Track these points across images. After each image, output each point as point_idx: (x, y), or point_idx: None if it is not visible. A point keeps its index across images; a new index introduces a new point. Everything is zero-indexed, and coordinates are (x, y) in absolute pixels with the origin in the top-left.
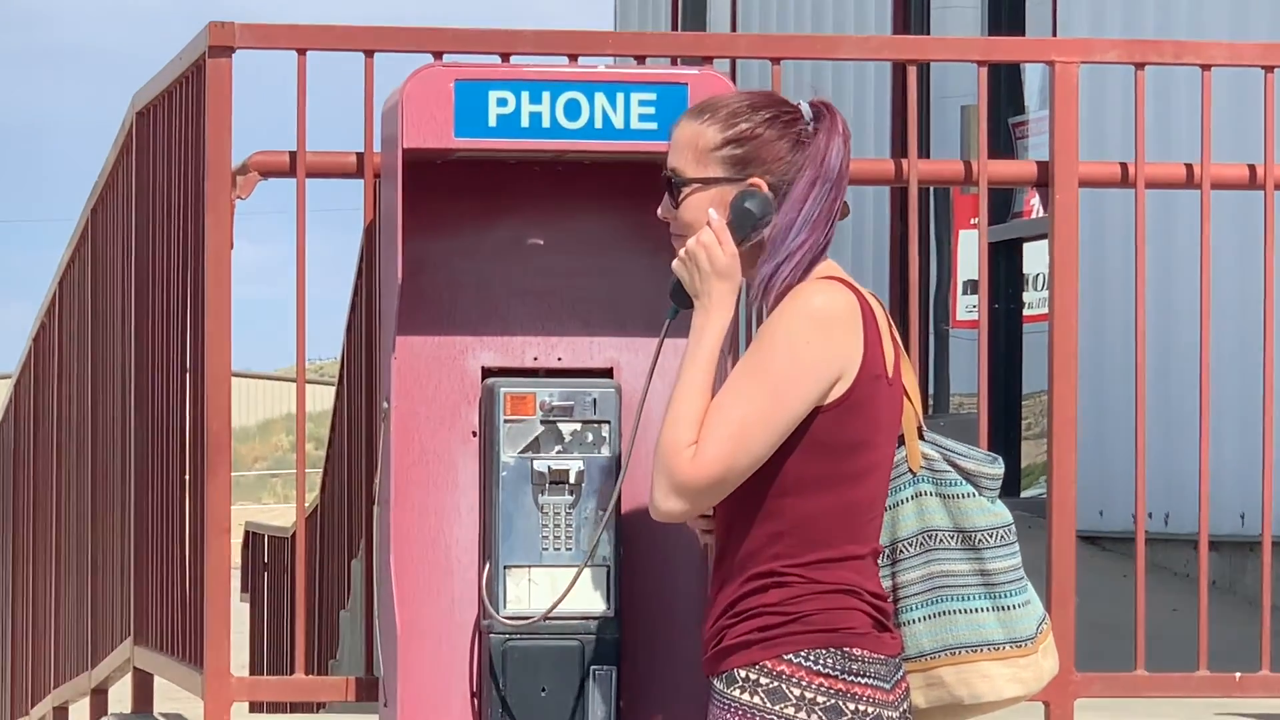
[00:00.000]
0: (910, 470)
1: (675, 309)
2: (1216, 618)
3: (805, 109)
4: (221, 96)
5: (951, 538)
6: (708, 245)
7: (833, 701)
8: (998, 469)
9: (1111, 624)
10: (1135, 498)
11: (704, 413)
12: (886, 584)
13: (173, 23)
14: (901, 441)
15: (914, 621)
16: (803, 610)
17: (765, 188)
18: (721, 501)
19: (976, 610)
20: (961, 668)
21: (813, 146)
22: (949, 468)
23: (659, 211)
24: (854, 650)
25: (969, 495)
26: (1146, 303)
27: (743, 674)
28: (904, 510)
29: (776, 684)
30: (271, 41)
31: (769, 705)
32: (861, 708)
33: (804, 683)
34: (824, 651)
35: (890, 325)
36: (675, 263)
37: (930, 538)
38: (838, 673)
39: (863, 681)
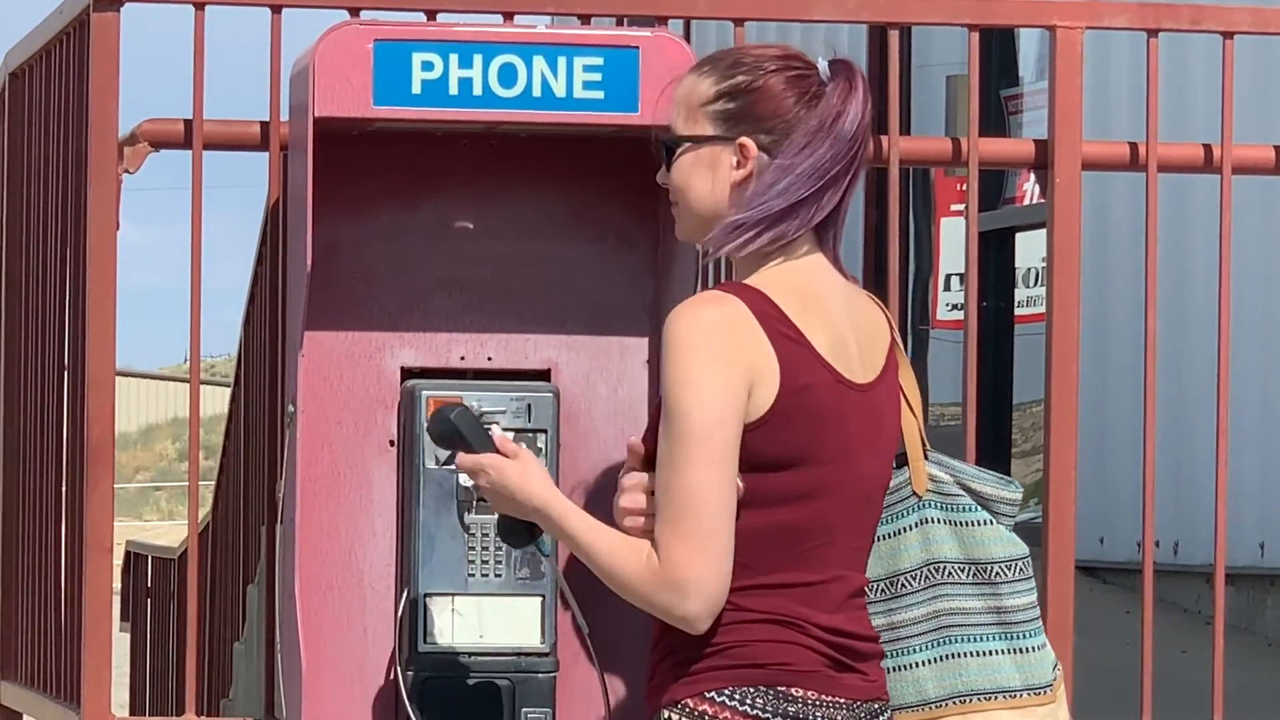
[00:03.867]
0: (915, 494)
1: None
2: (1232, 661)
3: (822, 66)
4: (107, 56)
5: (963, 571)
6: (490, 469)
7: None
8: (1015, 493)
9: (1114, 666)
10: (1142, 524)
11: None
12: (881, 621)
13: None
14: (902, 461)
15: (917, 665)
16: (727, 641)
17: (753, 148)
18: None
19: (990, 653)
20: (972, 717)
21: (823, 105)
22: (960, 491)
23: (657, 177)
24: (793, 690)
25: (985, 523)
26: (1157, 302)
27: (665, 715)
28: (907, 539)
29: None
30: None
31: None
32: None
33: None
34: (753, 690)
35: (873, 324)
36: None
37: (937, 571)
38: (769, 714)
39: None
